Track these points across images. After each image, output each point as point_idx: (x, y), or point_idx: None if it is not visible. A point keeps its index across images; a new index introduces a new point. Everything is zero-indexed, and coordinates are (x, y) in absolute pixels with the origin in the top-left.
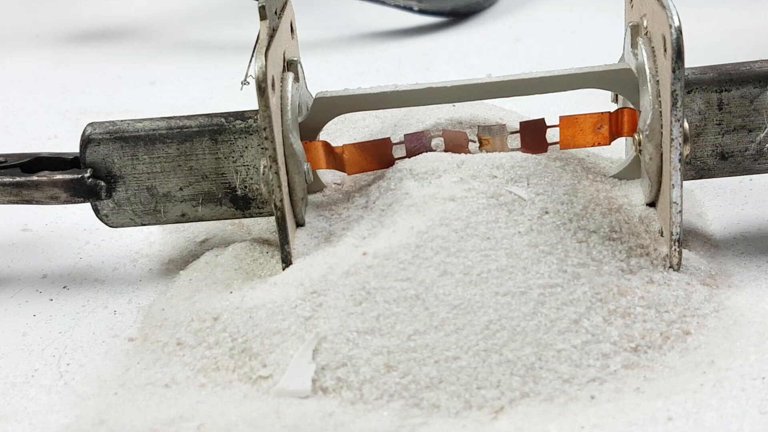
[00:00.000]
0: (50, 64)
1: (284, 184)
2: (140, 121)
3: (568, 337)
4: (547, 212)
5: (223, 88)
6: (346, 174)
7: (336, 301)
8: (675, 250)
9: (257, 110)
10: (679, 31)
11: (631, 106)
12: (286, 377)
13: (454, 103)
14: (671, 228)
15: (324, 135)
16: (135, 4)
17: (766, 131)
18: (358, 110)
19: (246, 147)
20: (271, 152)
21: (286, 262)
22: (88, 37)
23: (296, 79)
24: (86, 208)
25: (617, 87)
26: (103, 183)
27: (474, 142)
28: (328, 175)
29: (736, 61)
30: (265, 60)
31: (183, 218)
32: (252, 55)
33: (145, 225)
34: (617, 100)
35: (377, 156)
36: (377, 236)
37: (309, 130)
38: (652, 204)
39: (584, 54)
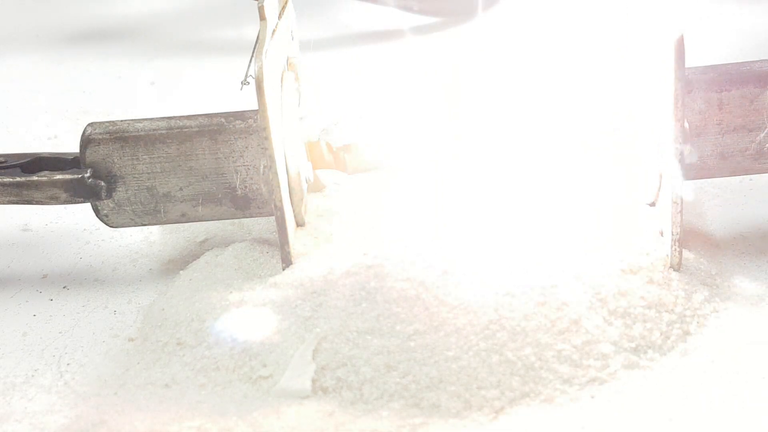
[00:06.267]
0: (50, 64)
1: (284, 184)
2: (140, 121)
3: (569, 337)
4: (547, 212)
5: (223, 88)
6: (346, 174)
7: (336, 301)
8: (675, 250)
9: (257, 110)
10: (680, 31)
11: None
12: (286, 377)
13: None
14: (671, 228)
15: (324, 135)
16: (135, 4)
17: (766, 131)
18: None
19: (246, 147)
20: (271, 152)
21: (286, 262)
22: (88, 37)
23: (296, 78)
24: (86, 208)
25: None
26: (103, 183)
27: None
28: (328, 175)
29: (736, 61)
30: (265, 60)
31: (183, 218)
32: (252, 55)
33: (145, 225)
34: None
35: (377, 156)
36: (377, 236)
37: (309, 130)
38: (652, 204)
39: (584, 54)
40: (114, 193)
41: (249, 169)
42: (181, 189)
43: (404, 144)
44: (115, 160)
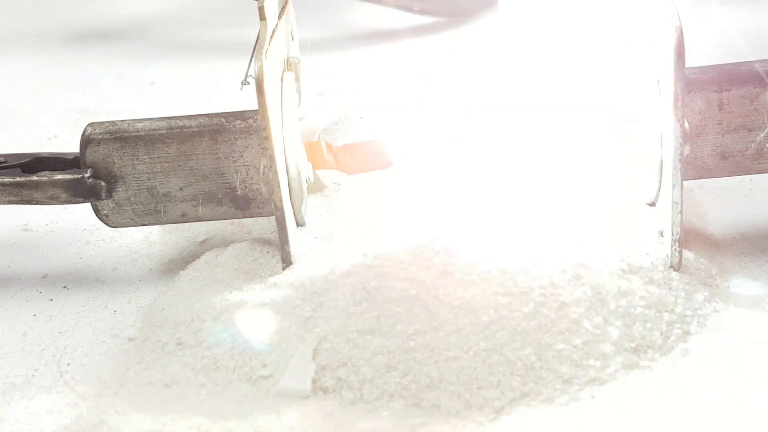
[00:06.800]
0: (50, 64)
1: (284, 183)
2: (140, 121)
3: (569, 337)
4: (547, 212)
5: (223, 88)
6: (346, 174)
7: (336, 301)
8: (675, 250)
9: (257, 110)
10: (680, 31)
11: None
12: (287, 377)
13: None
14: (672, 228)
15: (324, 135)
16: (135, 4)
17: (766, 131)
18: None
19: (246, 147)
20: (271, 152)
21: (286, 262)
22: (88, 37)
23: (296, 79)
24: (86, 208)
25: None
26: (103, 183)
27: None
28: (328, 175)
29: (736, 61)
30: (265, 60)
31: (183, 218)
32: (252, 55)
33: (145, 225)
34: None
35: (377, 156)
36: (377, 236)
37: (309, 130)
38: (652, 204)
39: (584, 54)
40: (114, 193)
41: (249, 169)
42: (181, 189)
43: (415, 142)
44: (115, 160)
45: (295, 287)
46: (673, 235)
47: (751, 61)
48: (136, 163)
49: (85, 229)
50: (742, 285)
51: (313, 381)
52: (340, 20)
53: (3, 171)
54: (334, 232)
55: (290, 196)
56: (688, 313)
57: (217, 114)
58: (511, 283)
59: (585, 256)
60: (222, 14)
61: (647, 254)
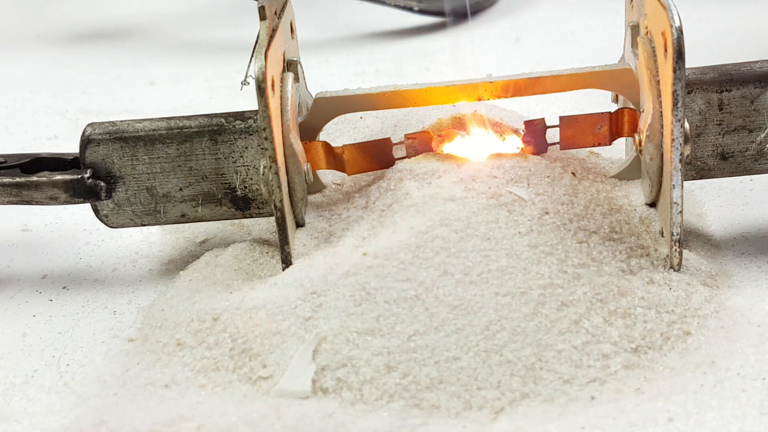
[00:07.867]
0: (50, 64)
1: (284, 184)
2: (140, 121)
3: (569, 337)
4: (547, 212)
5: (223, 88)
6: (346, 174)
7: (336, 301)
8: (675, 250)
9: (257, 110)
10: (680, 31)
11: (632, 106)
12: (286, 378)
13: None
14: (672, 228)
15: (324, 135)
16: (135, 4)
17: (766, 131)
18: (358, 110)
19: (246, 147)
20: (271, 152)
21: (286, 262)
22: (88, 37)
23: (296, 79)
24: (86, 208)
25: (617, 87)
26: (103, 183)
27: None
28: (328, 175)
29: (736, 61)
30: (265, 60)
31: (183, 218)
32: (252, 55)
33: (145, 225)
34: (617, 100)
35: (377, 156)
36: (377, 236)
37: (309, 130)
38: (652, 204)
39: (584, 54)
40: (114, 194)
41: (249, 169)
42: (180, 189)
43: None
44: (115, 161)
45: (295, 287)
46: (673, 235)
47: (751, 61)
48: (135, 163)
49: (84, 230)
50: (742, 285)
51: (313, 381)
52: (340, 20)
53: (3, 171)
54: (334, 233)
55: (290, 196)
56: (688, 313)
57: (217, 114)
58: (511, 283)
59: (585, 256)
60: (222, 14)
61: (647, 254)
